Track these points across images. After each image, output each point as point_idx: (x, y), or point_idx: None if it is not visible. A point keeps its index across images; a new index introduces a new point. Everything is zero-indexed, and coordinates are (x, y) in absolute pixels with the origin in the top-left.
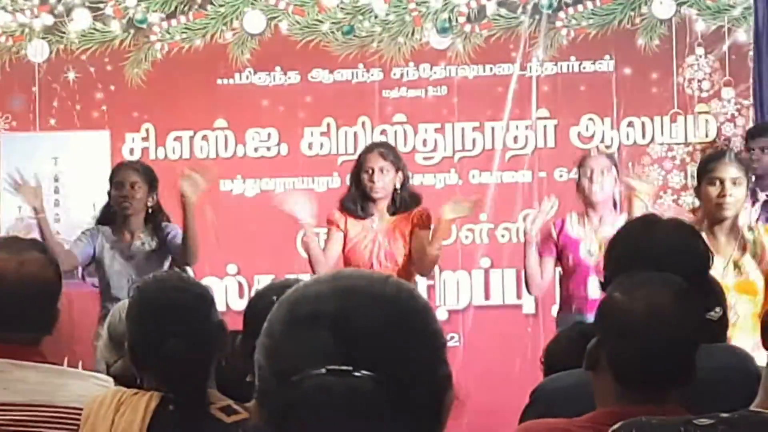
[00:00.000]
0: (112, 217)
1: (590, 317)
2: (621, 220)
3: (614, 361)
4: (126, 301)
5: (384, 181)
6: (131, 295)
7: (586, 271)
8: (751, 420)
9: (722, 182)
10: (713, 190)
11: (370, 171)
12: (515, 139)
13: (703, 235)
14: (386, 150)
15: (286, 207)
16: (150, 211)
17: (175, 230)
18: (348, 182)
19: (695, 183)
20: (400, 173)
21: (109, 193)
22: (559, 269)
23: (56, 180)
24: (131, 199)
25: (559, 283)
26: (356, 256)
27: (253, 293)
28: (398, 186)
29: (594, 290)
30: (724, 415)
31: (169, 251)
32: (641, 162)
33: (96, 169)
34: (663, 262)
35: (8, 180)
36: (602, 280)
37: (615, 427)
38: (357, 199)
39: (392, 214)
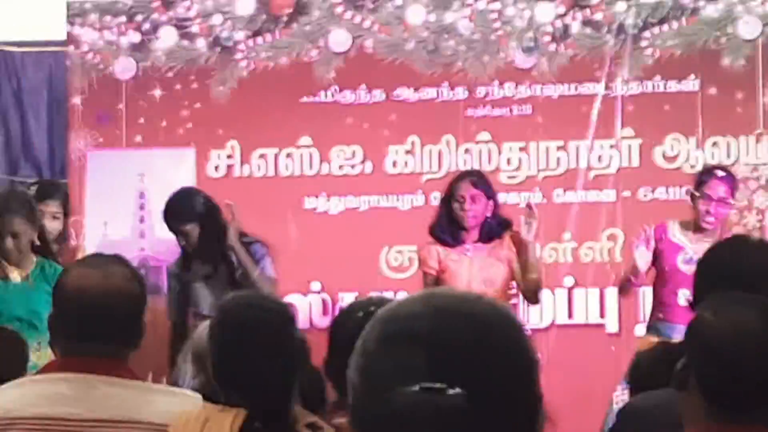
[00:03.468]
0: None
1: (676, 326)
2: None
3: (703, 381)
4: (209, 320)
5: (476, 210)
6: (214, 316)
7: (681, 279)
8: None
9: None
10: None
11: (462, 199)
12: (599, 158)
13: None
14: (478, 179)
15: None
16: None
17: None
18: (438, 205)
19: None
20: (491, 200)
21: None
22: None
23: (142, 197)
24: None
25: (653, 289)
26: (453, 285)
27: (337, 310)
28: (489, 214)
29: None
30: None
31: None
32: None
33: (181, 186)
34: (751, 283)
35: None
36: (690, 300)
37: None
38: (448, 228)
39: (485, 241)
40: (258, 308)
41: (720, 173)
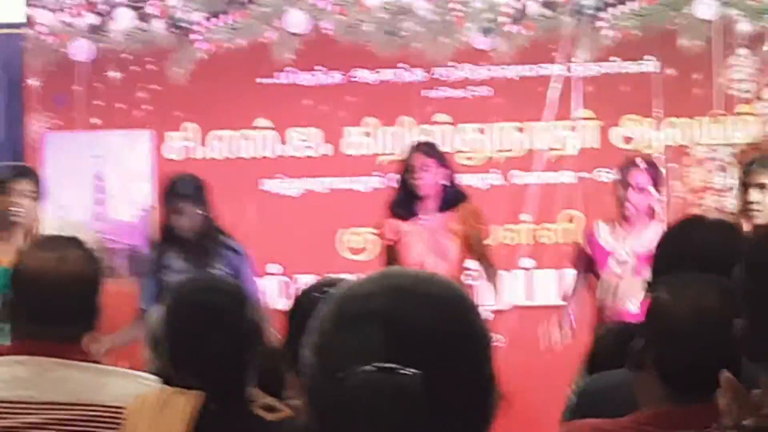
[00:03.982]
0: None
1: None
2: (655, 230)
3: (661, 361)
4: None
5: (428, 178)
6: (168, 297)
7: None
8: None
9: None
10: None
11: (414, 169)
12: (558, 139)
13: None
14: (429, 148)
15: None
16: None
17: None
18: (395, 184)
19: (737, 184)
20: (444, 169)
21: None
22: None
23: (99, 179)
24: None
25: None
26: (407, 254)
27: (295, 292)
28: (444, 182)
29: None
30: (746, 424)
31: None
32: (683, 163)
33: (138, 168)
34: (707, 263)
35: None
36: (648, 281)
37: None
38: (404, 201)
39: (440, 211)
40: (209, 290)
41: (641, 163)
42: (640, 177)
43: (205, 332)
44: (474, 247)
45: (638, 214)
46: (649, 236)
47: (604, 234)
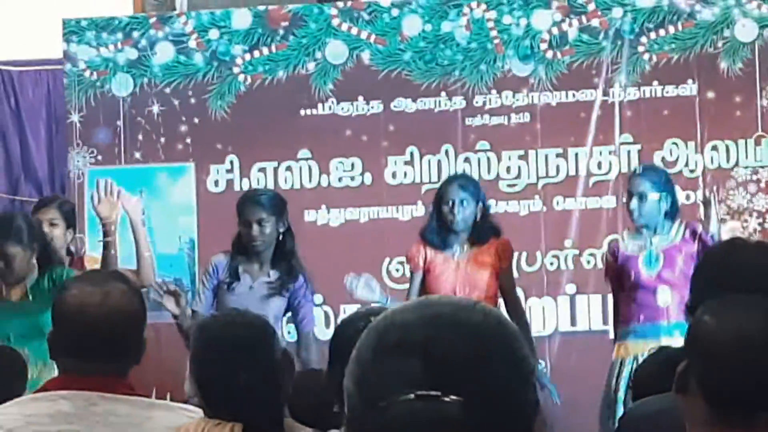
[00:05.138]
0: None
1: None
2: (677, 228)
3: (704, 384)
4: None
5: (464, 213)
6: (193, 335)
7: (650, 281)
8: None
9: None
10: None
11: (451, 203)
12: (599, 164)
13: None
14: (466, 181)
15: (359, 294)
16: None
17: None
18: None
19: None
20: (480, 204)
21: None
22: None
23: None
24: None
25: (616, 303)
26: (439, 286)
27: (336, 324)
28: (479, 217)
29: (663, 300)
30: None
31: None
32: (726, 185)
33: (181, 202)
34: (750, 285)
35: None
36: (689, 304)
37: None
38: (437, 231)
39: (472, 245)
40: (235, 325)
41: (638, 170)
42: (636, 186)
43: (235, 368)
44: (504, 283)
45: (647, 218)
46: (671, 234)
47: (627, 240)
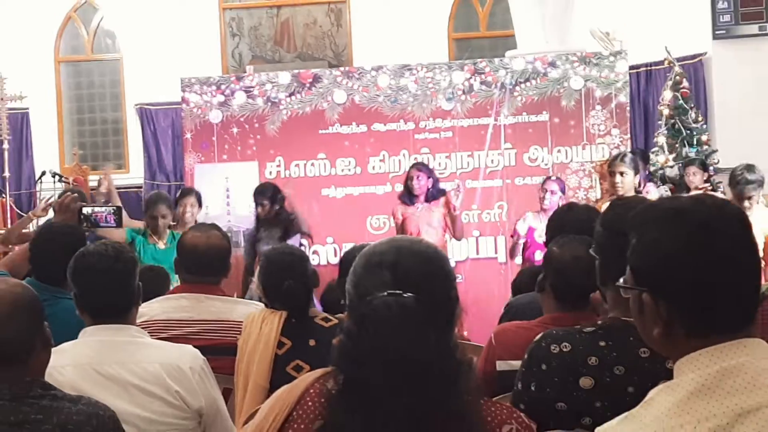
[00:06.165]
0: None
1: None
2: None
3: (553, 286)
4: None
5: (420, 184)
6: (262, 258)
7: (536, 246)
8: (618, 326)
9: (620, 174)
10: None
11: (413, 178)
12: (492, 161)
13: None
14: (421, 165)
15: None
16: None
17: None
18: (402, 186)
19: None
20: (431, 178)
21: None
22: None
23: (227, 191)
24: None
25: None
26: (410, 226)
27: (342, 253)
28: (430, 186)
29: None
30: (602, 323)
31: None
32: (565, 173)
33: (250, 184)
34: (579, 229)
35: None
36: (545, 240)
37: (537, 337)
38: (407, 196)
39: (427, 201)
40: (286, 254)
41: (553, 178)
42: (553, 185)
43: (284, 277)
44: (450, 221)
45: (551, 206)
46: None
47: (532, 221)
